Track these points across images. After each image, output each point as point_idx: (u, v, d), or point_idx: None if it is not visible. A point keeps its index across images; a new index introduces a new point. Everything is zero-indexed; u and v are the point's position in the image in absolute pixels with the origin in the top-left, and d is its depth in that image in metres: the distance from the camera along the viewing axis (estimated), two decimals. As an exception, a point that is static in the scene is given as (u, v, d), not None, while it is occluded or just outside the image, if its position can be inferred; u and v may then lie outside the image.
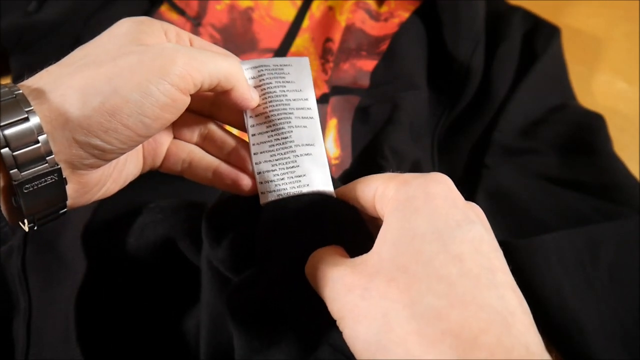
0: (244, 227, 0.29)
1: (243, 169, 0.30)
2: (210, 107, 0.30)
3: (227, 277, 0.30)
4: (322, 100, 0.52)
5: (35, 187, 0.23)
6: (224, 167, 0.30)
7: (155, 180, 0.32)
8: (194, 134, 0.30)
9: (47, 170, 0.23)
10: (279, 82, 0.29)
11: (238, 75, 0.27)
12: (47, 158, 0.23)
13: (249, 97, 0.28)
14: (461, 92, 0.50)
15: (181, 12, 0.55)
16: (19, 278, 0.37)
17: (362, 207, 0.26)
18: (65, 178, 0.24)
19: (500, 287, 0.19)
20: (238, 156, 0.30)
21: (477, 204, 0.24)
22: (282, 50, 0.55)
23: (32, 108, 0.22)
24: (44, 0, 0.52)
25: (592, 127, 0.49)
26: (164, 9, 0.55)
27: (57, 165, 0.23)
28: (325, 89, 0.52)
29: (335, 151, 0.48)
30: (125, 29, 0.26)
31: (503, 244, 0.22)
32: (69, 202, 0.25)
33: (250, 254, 0.28)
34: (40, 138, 0.22)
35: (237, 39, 0.55)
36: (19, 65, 0.51)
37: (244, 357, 0.28)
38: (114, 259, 0.36)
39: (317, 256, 0.25)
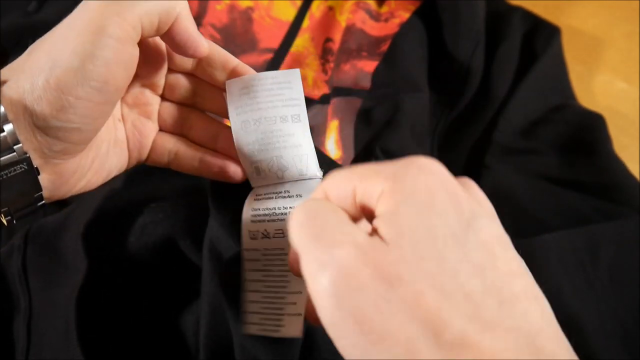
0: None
1: (231, 156, 0.29)
2: (193, 97, 0.30)
3: (226, 265, 0.30)
4: (323, 100, 0.52)
5: (5, 177, 0.22)
6: (210, 156, 0.29)
7: (156, 180, 0.32)
8: (179, 124, 0.30)
9: (15, 159, 0.22)
10: (274, 94, 0.29)
11: (178, 7, 0.25)
12: (15, 147, 0.22)
13: (196, 37, 0.26)
14: (461, 92, 0.50)
15: (181, 12, 0.55)
16: (19, 278, 0.37)
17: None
18: (37, 168, 0.23)
19: (523, 299, 0.18)
20: (225, 143, 0.29)
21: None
22: (282, 50, 0.55)
23: None
24: (44, 0, 0.52)
25: (592, 127, 0.49)
26: (164, 9, 0.55)
27: (26, 154, 0.22)
28: (325, 89, 0.52)
29: (336, 152, 0.47)
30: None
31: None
32: (45, 194, 0.24)
33: None
34: (6, 127, 0.21)
35: (237, 39, 0.55)
36: (19, 65, 0.51)
37: (242, 341, 0.28)
38: (114, 259, 0.36)
39: (316, 207, 0.19)
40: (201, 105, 0.30)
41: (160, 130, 0.30)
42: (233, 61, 0.29)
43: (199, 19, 0.55)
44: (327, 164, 0.29)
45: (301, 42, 0.55)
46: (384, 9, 0.55)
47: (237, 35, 0.55)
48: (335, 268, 0.17)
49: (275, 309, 0.27)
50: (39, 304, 0.36)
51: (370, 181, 0.19)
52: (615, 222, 0.42)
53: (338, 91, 0.50)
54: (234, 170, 0.29)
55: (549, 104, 0.52)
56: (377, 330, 0.16)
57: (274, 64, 0.54)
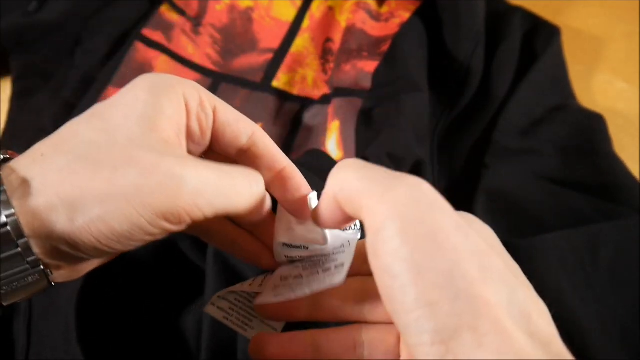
0: None
1: (267, 242, 0.27)
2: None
3: (233, 271, 0.30)
4: (323, 100, 0.52)
5: (14, 287, 0.21)
6: (245, 240, 0.27)
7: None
8: None
9: (27, 272, 0.21)
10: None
11: (242, 205, 0.23)
12: (28, 259, 0.20)
13: (259, 218, 0.25)
14: (461, 92, 0.50)
15: (181, 12, 0.55)
16: (20, 278, 0.37)
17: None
18: (49, 270, 0.22)
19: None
20: (266, 234, 0.27)
21: (477, 204, 0.23)
22: (282, 50, 0.55)
23: (13, 211, 0.20)
24: (44, 0, 0.52)
25: (592, 127, 0.49)
26: (164, 9, 0.55)
27: (39, 266, 0.21)
28: (326, 90, 0.52)
29: (337, 153, 0.47)
30: (142, 104, 0.22)
31: (504, 244, 0.22)
32: (58, 281, 0.23)
33: None
34: (20, 242, 0.20)
35: (237, 39, 0.55)
36: (19, 65, 0.51)
37: (246, 347, 0.28)
38: (114, 259, 0.36)
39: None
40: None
41: None
42: (282, 162, 0.26)
43: (198, 19, 0.55)
44: (328, 165, 0.29)
45: (301, 42, 0.55)
46: (384, 9, 0.55)
47: (237, 35, 0.55)
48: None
49: (248, 307, 0.26)
50: (39, 304, 0.36)
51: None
52: (615, 222, 0.42)
53: (339, 91, 0.50)
54: (267, 262, 0.27)
55: (549, 104, 0.52)
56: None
57: (274, 64, 0.54)
